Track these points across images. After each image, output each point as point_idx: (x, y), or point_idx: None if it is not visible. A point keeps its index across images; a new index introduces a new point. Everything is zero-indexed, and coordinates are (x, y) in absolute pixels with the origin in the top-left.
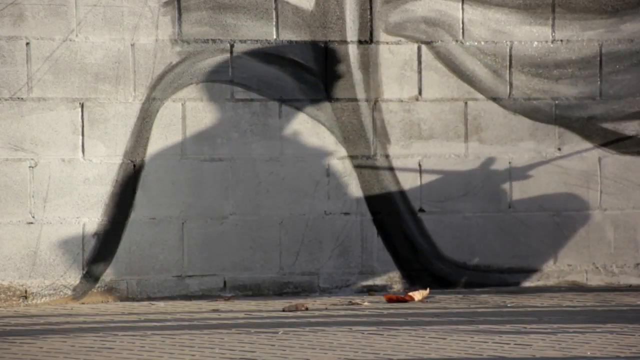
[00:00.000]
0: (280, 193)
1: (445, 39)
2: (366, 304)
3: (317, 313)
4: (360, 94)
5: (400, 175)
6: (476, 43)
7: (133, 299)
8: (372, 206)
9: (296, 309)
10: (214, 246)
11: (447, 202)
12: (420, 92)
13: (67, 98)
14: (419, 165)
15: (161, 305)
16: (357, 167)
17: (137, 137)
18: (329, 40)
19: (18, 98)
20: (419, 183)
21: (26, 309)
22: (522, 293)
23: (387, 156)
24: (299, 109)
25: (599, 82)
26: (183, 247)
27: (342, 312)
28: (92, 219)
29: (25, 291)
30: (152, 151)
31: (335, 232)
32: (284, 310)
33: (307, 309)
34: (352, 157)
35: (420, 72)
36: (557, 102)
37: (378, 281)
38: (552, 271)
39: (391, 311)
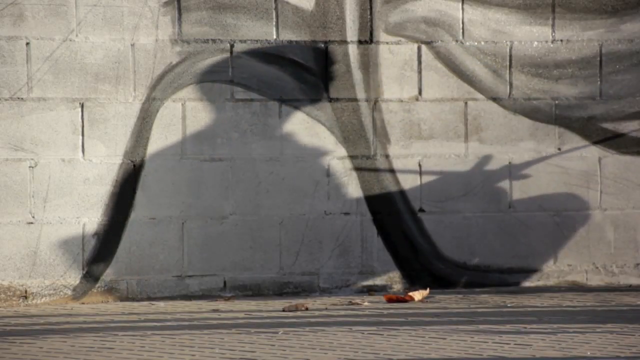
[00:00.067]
0: (280, 193)
1: (445, 39)
2: (366, 304)
3: (317, 313)
4: (360, 94)
5: (400, 175)
6: (476, 43)
7: (133, 299)
8: (372, 206)
9: (296, 309)
10: (214, 246)
11: (447, 202)
12: (420, 92)
13: (67, 98)
14: (419, 165)
15: (161, 305)
16: (357, 167)
17: (137, 137)
18: (329, 40)
19: (18, 98)
20: (419, 183)
21: (26, 309)
22: (522, 293)
23: (387, 156)
24: (299, 109)
25: (599, 82)
26: (183, 247)
27: (342, 312)
28: (92, 219)
29: (25, 291)
30: (152, 151)
31: (335, 232)
32: (284, 310)
33: (307, 309)
34: (352, 157)
35: (420, 72)
36: (557, 102)
37: (378, 281)
38: (552, 271)
39: (391, 311)
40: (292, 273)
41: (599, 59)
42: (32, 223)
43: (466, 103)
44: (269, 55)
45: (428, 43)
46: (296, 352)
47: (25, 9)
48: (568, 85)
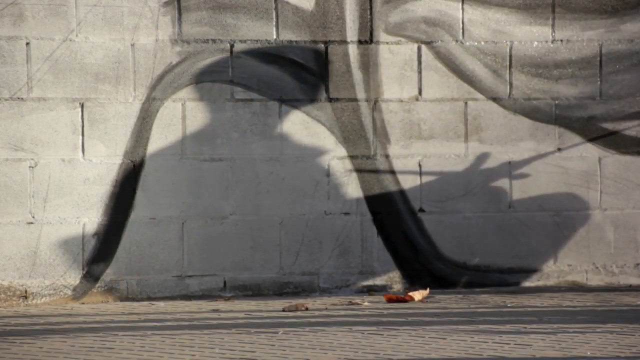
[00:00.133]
0: (280, 193)
1: (445, 39)
2: (366, 304)
3: (317, 313)
4: (360, 94)
5: (400, 175)
6: (476, 43)
7: (133, 299)
8: (372, 206)
9: (296, 309)
10: (214, 246)
11: (447, 202)
12: (420, 92)
13: (67, 98)
14: (419, 165)
15: (161, 305)
16: (357, 167)
17: (137, 137)
18: (329, 40)
19: (18, 98)
20: (419, 183)
21: (26, 309)
22: (522, 293)
23: (387, 156)
24: (299, 109)
25: (599, 82)
26: (183, 247)
27: (342, 312)
28: (92, 219)
29: (25, 291)
30: (152, 151)
31: (335, 232)
32: (284, 310)
33: (307, 309)
34: (352, 157)
35: (420, 72)
36: (557, 102)
37: (378, 281)
38: (552, 271)
39: (391, 311)
40: (292, 273)
41: (599, 59)
42: (32, 223)
43: (466, 103)
44: (269, 55)
45: (428, 43)
46: (296, 352)
47: (25, 9)
48: (568, 85)
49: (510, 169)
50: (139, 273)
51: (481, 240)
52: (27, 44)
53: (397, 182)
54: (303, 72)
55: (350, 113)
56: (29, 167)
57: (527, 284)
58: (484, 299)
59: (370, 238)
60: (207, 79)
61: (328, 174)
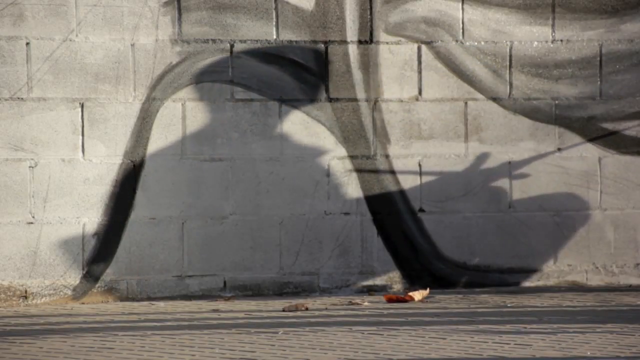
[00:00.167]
0: (280, 193)
1: (445, 39)
2: (366, 304)
3: (317, 313)
4: (360, 94)
5: (400, 175)
6: (476, 43)
7: (133, 299)
8: (372, 206)
9: (296, 309)
10: (214, 246)
11: (447, 202)
12: (420, 92)
13: (67, 98)
14: (419, 165)
15: (161, 305)
16: (357, 167)
17: (137, 137)
18: (329, 40)
19: (18, 98)
20: (419, 183)
21: (26, 309)
22: (522, 293)
23: (387, 156)
24: (299, 109)
25: (599, 82)
26: (183, 247)
27: (342, 312)
28: (92, 219)
29: (25, 291)
30: (152, 151)
31: (335, 232)
32: (284, 310)
33: (307, 309)
34: (352, 157)
35: (420, 72)
36: (557, 102)
37: (378, 281)
38: (552, 271)
39: (391, 311)
40: (292, 273)
41: (599, 59)
42: (32, 223)
43: (466, 103)
44: (269, 55)
45: (428, 43)
46: (296, 352)
47: (25, 9)
48: (568, 85)
49: (510, 169)
50: (139, 273)
51: (481, 240)
52: (27, 44)
53: (397, 182)
54: (303, 72)
55: (350, 113)
56: (29, 167)
57: (527, 284)
58: (484, 299)
59: (370, 238)
60: (207, 79)
61: (328, 174)
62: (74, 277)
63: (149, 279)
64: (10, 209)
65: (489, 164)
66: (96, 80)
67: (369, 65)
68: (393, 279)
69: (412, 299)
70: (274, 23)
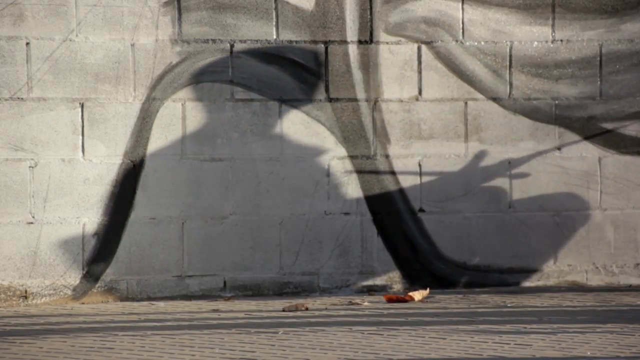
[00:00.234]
0: (280, 193)
1: (445, 39)
2: (366, 304)
3: (317, 313)
4: (360, 94)
5: (400, 175)
6: (476, 43)
7: (133, 299)
8: (372, 206)
9: (296, 309)
10: (214, 246)
11: (447, 202)
12: (420, 92)
13: (67, 98)
14: (419, 165)
15: (161, 305)
16: (357, 167)
17: (137, 137)
18: (329, 40)
19: (18, 98)
20: (418, 183)
21: (26, 309)
22: (522, 293)
23: (387, 156)
24: (299, 109)
25: (599, 82)
26: (183, 247)
27: (342, 312)
28: (92, 219)
29: (25, 291)
30: (152, 151)
31: (335, 232)
32: (284, 310)
33: (307, 309)
34: (352, 157)
35: (420, 72)
36: (557, 102)
37: (378, 281)
38: (552, 271)
39: (391, 311)
40: (292, 273)
41: (599, 59)
42: (32, 223)
43: (466, 103)
44: (269, 55)
45: (428, 43)
46: (296, 352)
47: (25, 9)
48: (568, 85)
49: (510, 169)
50: (139, 273)
51: (481, 240)
52: (27, 44)
53: (397, 182)
54: (303, 72)
55: (350, 113)
56: (29, 167)
57: (527, 284)
58: (484, 299)
59: (370, 238)
60: (207, 79)
61: (328, 174)
62: (74, 277)
63: (149, 279)
64: (10, 209)
65: (489, 163)
66: (96, 80)
67: (369, 65)
68: (393, 279)
69: (412, 299)
70: (274, 23)
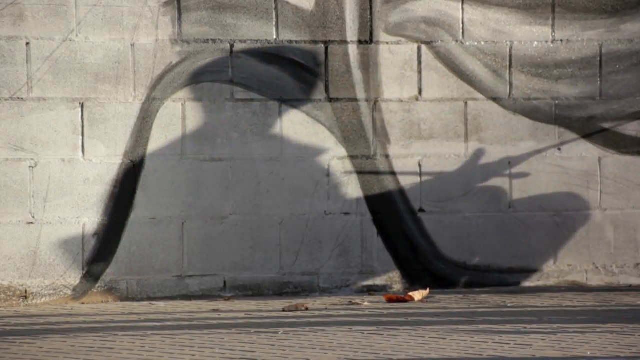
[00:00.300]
0: (280, 193)
1: (445, 39)
2: (366, 304)
3: (317, 313)
4: (360, 94)
5: (400, 175)
6: (476, 43)
7: (133, 299)
8: (372, 206)
9: (296, 309)
10: (214, 246)
11: (447, 202)
12: (420, 92)
13: (67, 98)
14: (419, 165)
15: (161, 305)
16: (357, 167)
17: (137, 137)
18: (329, 40)
19: (18, 98)
20: (418, 183)
21: (26, 309)
22: (522, 293)
23: (387, 156)
24: (299, 109)
25: (599, 82)
26: (183, 247)
27: (342, 312)
28: (92, 219)
29: (25, 291)
30: (152, 151)
31: (335, 232)
32: (284, 310)
33: (307, 309)
34: (352, 157)
35: (420, 72)
36: (557, 102)
37: (378, 281)
38: (552, 271)
39: (391, 311)
40: (292, 273)
41: (599, 59)
42: (32, 223)
43: (466, 103)
44: (269, 55)
45: (428, 43)
46: (296, 352)
47: (25, 9)
48: (568, 85)
49: (510, 169)
50: (139, 273)
51: (481, 240)
52: (27, 44)
53: (397, 182)
54: (303, 72)
55: (350, 113)
56: (29, 167)
57: (527, 284)
58: (484, 299)
59: (370, 238)
60: (207, 79)
61: (328, 174)
62: (74, 277)
63: (149, 279)
64: (10, 209)
65: (489, 163)
66: (96, 80)
67: (369, 65)
68: (393, 279)
69: (412, 299)
70: (274, 23)
